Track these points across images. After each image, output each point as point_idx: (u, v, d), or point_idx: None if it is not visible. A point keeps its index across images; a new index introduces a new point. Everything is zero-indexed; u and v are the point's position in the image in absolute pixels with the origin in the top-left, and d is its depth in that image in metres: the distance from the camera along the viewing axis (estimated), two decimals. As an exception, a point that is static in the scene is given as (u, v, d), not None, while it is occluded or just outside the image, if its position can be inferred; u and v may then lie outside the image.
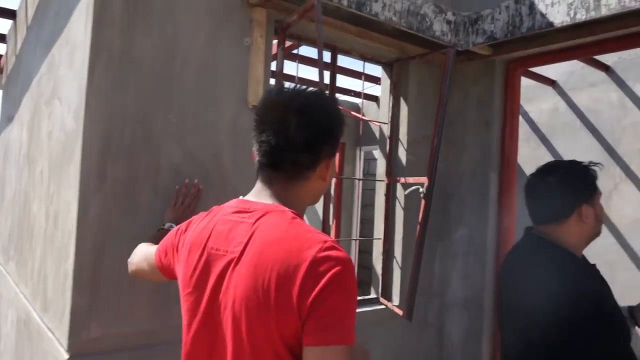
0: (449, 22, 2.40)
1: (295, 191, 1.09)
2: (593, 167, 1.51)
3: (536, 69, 4.76)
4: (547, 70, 4.90)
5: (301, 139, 1.03)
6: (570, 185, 1.49)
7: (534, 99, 5.07)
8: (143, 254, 1.41)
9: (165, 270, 1.24)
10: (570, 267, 1.45)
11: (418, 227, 2.44)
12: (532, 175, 1.59)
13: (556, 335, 1.32)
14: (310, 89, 1.08)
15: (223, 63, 2.01)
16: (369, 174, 6.27)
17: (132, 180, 1.80)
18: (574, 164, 1.57)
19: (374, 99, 5.65)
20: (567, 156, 4.86)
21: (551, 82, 4.85)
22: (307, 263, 0.91)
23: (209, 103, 1.97)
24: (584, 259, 1.60)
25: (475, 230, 2.74)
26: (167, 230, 1.57)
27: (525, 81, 4.76)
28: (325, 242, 0.95)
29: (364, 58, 2.72)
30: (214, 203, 1.30)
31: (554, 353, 1.34)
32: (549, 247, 1.50)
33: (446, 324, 2.87)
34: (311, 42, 2.47)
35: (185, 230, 1.18)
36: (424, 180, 2.43)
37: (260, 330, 0.94)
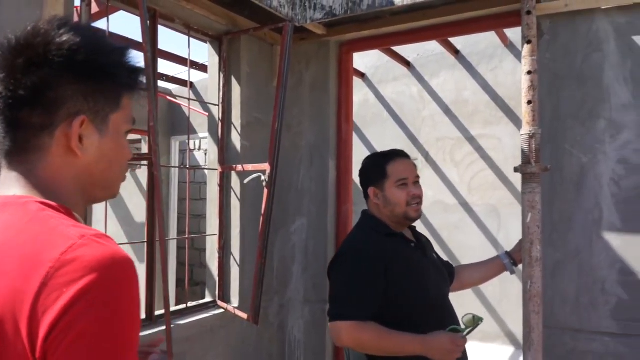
0: (287, -6, 2.17)
1: (39, 172, 0.68)
2: (382, 157, 1.77)
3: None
4: (357, 62, 5.06)
5: (28, 82, 0.64)
6: (364, 171, 1.78)
7: (347, 90, 5.19)
8: None
9: None
10: (364, 229, 1.72)
11: (261, 218, 2.17)
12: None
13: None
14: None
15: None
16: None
17: None
18: (374, 155, 1.84)
19: (190, 85, 5.16)
20: (377, 145, 5.08)
21: (361, 75, 5.02)
22: (44, 273, 0.56)
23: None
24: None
25: (315, 219, 2.57)
26: None
27: (338, 73, 4.85)
28: (82, 236, 0.59)
29: (189, 29, 2.31)
30: None
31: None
32: (370, 218, 1.74)
33: (288, 320, 2.66)
34: (129, 3, 1.99)
35: None
36: (266, 167, 2.17)
37: None
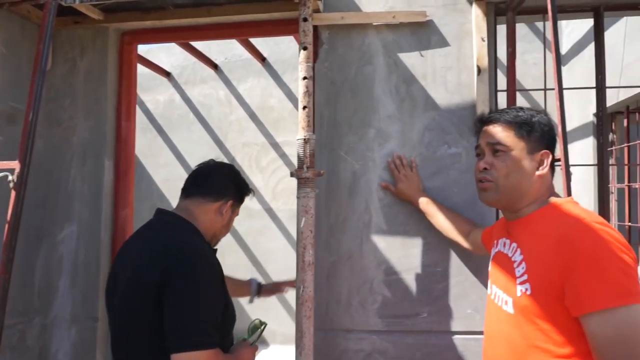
0: (48, -35, 1.85)
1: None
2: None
3: (153, 58, 4.54)
4: (163, 60, 4.76)
5: None
6: (229, 181, 1.64)
7: (151, 88, 4.85)
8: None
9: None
10: (191, 232, 1.50)
11: (6, 226, 1.80)
12: (207, 162, 1.70)
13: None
14: None
15: None
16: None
17: None
18: (230, 169, 1.71)
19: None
20: (181, 148, 4.83)
21: (167, 74, 4.73)
22: None
23: None
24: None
25: (87, 225, 2.26)
26: None
27: (141, 69, 4.48)
28: None
29: None
30: None
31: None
32: (179, 219, 1.51)
33: (52, 343, 2.27)
34: None
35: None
36: (15, 164, 1.81)
37: None
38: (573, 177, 3.19)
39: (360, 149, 2.06)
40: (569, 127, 4.07)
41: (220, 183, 1.60)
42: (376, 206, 2.04)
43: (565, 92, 1.63)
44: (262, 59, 4.54)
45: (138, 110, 4.75)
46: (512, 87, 1.96)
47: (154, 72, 4.63)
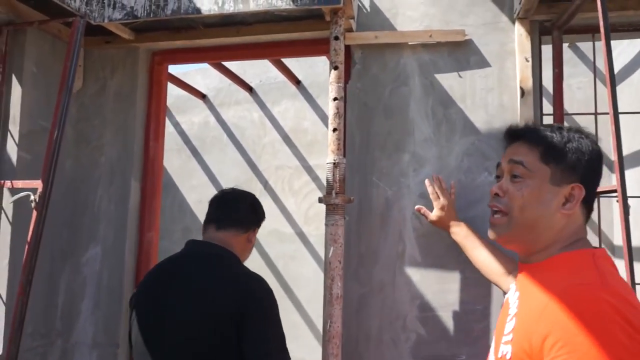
0: (78, -15, 1.83)
1: None
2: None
3: (189, 81, 4.56)
4: (199, 83, 4.78)
5: None
6: (254, 211, 1.72)
7: (186, 110, 4.87)
8: None
9: None
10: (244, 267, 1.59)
11: (26, 247, 1.75)
12: (228, 190, 1.76)
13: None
14: None
15: None
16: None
17: None
18: (253, 199, 1.78)
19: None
20: (215, 169, 4.81)
21: (202, 96, 4.74)
22: None
23: None
24: None
25: (111, 247, 2.19)
26: None
27: (177, 91, 4.50)
28: None
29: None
30: None
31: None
32: (227, 252, 1.57)
33: (71, 368, 2.20)
34: None
35: None
36: (38, 184, 1.76)
37: None
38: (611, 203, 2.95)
39: (394, 174, 1.92)
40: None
41: (248, 214, 1.68)
42: (410, 236, 1.89)
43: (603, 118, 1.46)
44: (297, 82, 4.49)
45: (173, 131, 4.77)
46: (560, 110, 1.79)
47: (190, 94, 4.64)
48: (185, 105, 4.89)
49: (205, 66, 4.55)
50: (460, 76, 1.88)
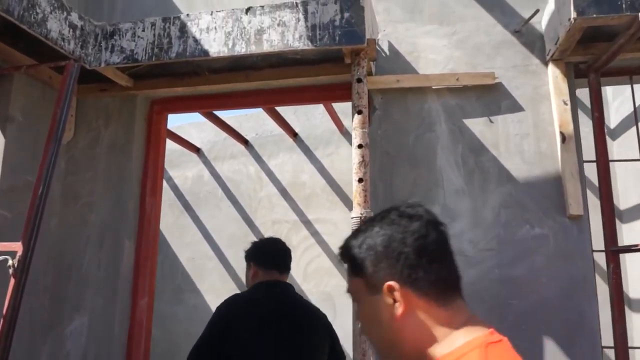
0: (73, 27, 1.64)
1: None
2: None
3: (183, 134, 4.38)
4: (193, 136, 4.60)
5: None
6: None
7: (180, 164, 4.65)
8: None
9: None
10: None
11: (1, 320, 1.46)
12: (278, 240, 2.07)
13: None
14: None
15: None
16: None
17: None
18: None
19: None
20: (210, 225, 4.54)
21: (196, 150, 4.54)
22: None
23: None
24: None
25: (99, 317, 1.90)
26: None
27: (170, 145, 4.30)
28: None
29: None
30: None
31: None
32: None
33: None
34: None
35: None
36: (17, 246, 1.49)
37: None
38: (634, 257, 2.74)
39: (422, 229, 1.70)
40: (625, 205, 3.67)
41: (291, 261, 2.05)
42: (444, 299, 1.64)
43: (621, 167, 1.27)
44: (294, 134, 4.32)
45: (165, 186, 4.52)
46: (604, 157, 1.61)
47: (184, 147, 4.44)
48: (179, 160, 4.68)
49: (200, 119, 4.37)
50: (491, 121, 1.71)
